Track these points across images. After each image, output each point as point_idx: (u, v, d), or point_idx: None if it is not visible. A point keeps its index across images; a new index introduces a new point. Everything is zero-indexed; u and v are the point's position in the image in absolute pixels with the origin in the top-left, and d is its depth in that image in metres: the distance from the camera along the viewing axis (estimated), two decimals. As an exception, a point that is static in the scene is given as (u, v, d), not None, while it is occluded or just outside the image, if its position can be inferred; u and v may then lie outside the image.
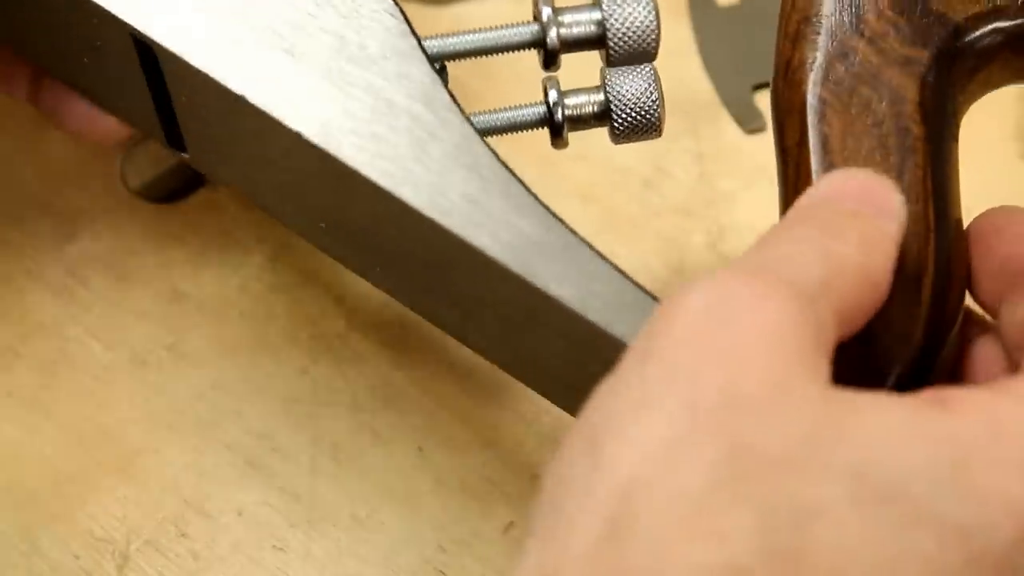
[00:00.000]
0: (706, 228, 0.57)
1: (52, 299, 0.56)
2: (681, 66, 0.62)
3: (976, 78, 0.37)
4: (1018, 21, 0.36)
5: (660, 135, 0.45)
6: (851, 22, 0.37)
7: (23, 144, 0.60)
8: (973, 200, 0.58)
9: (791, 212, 0.35)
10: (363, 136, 0.42)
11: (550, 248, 0.40)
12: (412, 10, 0.60)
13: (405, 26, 0.44)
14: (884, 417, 0.30)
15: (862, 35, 0.37)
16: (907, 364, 0.37)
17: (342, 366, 0.51)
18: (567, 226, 0.41)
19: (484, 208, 0.41)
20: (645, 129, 0.45)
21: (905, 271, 0.36)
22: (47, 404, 0.54)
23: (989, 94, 0.60)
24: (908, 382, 0.37)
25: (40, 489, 0.52)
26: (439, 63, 0.46)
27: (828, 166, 0.38)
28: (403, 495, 0.51)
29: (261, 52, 0.43)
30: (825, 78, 0.38)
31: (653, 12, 0.43)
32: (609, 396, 0.30)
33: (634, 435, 0.29)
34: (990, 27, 0.36)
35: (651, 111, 0.44)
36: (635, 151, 0.58)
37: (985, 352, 0.37)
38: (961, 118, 0.38)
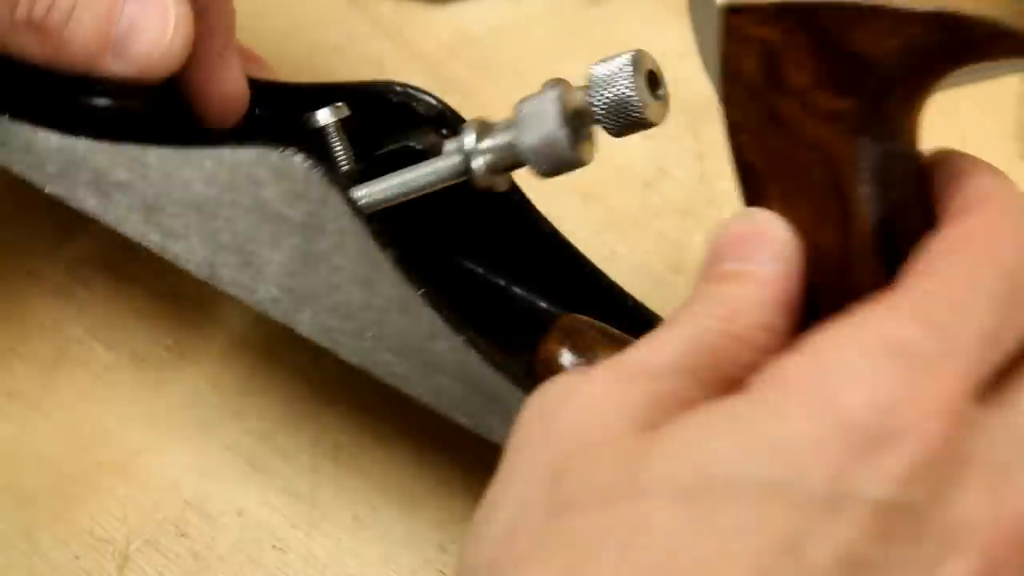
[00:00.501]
0: (706, 228, 0.57)
1: (52, 299, 0.56)
2: (681, 66, 0.62)
3: (915, 96, 0.36)
4: (936, 38, 0.35)
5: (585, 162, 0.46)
6: (773, 79, 0.36)
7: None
8: (973, 200, 0.58)
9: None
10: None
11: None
12: (413, 10, 0.60)
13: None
14: (681, 425, 0.32)
15: (785, 92, 0.36)
16: None
17: (342, 366, 0.51)
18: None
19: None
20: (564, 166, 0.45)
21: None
22: (47, 404, 0.54)
23: (989, 94, 0.61)
24: None
25: (40, 489, 0.52)
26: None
27: None
28: (403, 495, 0.51)
29: None
30: (760, 145, 0.37)
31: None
32: (491, 493, 0.35)
33: (486, 529, 0.34)
34: (911, 53, 0.35)
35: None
36: (636, 151, 0.58)
37: None
38: (916, 126, 0.37)
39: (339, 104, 0.51)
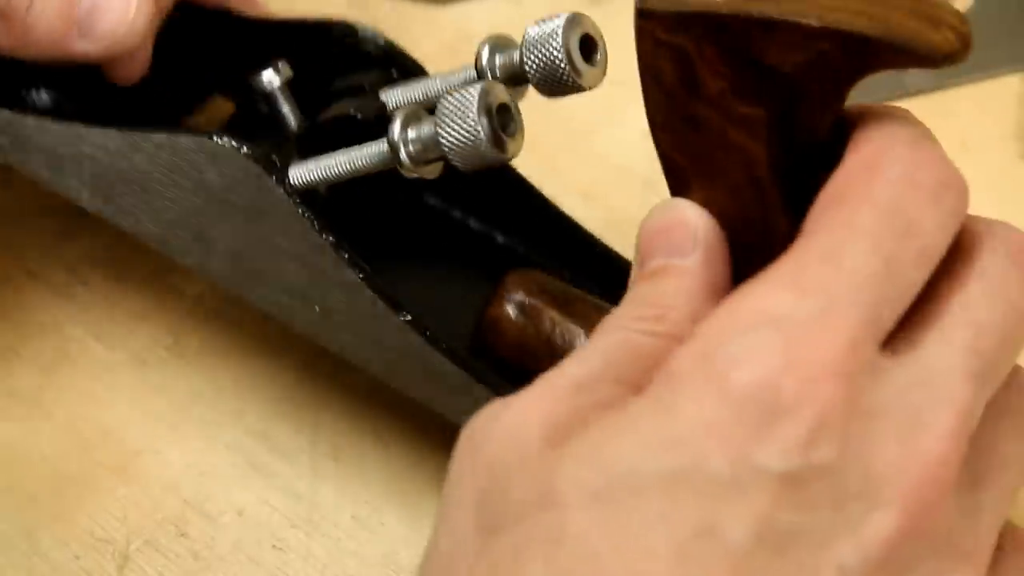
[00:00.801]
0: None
1: (52, 299, 0.56)
2: (681, 66, 0.62)
3: (829, 99, 0.37)
4: (840, 51, 0.35)
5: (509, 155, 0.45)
6: (690, 83, 0.36)
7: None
8: (974, 200, 0.58)
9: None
10: None
11: None
12: (413, 10, 0.60)
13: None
14: (588, 431, 0.33)
15: (702, 97, 0.36)
16: None
17: (342, 367, 0.51)
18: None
19: None
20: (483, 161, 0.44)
21: None
22: (47, 404, 0.54)
23: (989, 94, 0.61)
24: None
25: (40, 489, 0.52)
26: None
27: None
28: (403, 495, 0.51)
29: None
30: (682, 144, 0.38)
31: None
32: (433, 530, 0.35)
33: (429, 563, 0.34)
34: (817, 65, 0.35)
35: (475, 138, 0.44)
36: (636, 151, 0.58)
37: None
38: (836, 114, 0.37)
39: (282, 63, 0.51)
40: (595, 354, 0.35)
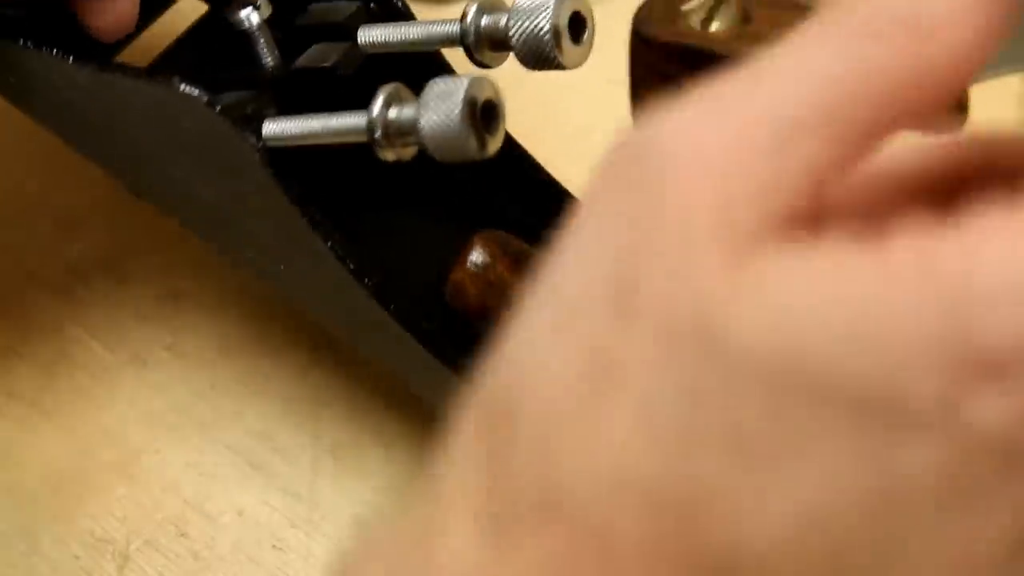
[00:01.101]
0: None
1: (52, 299, 0.56)
2: (681, 66, 0.62)
3: None
4: None
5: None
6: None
7: (23, 144, 0.60)
8: (973, 200, 0.58)
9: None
10: None
11: None
12: (414, 10, 0.60)
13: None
14: (791, 271, 0.25)
15: None
16: None
17: (342, 366, 0.51)
18: None
19: None
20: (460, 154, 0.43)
21: None
22: (47, 404, 0.54)
23: (989, 94, 0.61)
24: None
25: (40, 489, 0.52)
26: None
27: None
28: (404, 495, 0.51)
29: None
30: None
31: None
32: (534, 283, 0.28)
33: (528, 321, 0.27)
34: None
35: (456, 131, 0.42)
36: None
37: None
38: None
39: (259, 2, 0.49)
40: (816, 79, 0.25)
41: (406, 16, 0.51)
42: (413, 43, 0.47)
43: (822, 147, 0.25)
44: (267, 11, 0.49)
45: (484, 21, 0.46)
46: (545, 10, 0.44)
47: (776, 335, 0.24)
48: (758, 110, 0.25)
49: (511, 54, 0.46)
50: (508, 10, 0.45)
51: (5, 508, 0.51)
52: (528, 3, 0.44)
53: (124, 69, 0.48)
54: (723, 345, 0.25)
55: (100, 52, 0.49)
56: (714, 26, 0.36)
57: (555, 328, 0.26)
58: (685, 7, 0.37)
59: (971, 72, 0.26)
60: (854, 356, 0.24)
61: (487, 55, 0.45)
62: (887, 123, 0.26)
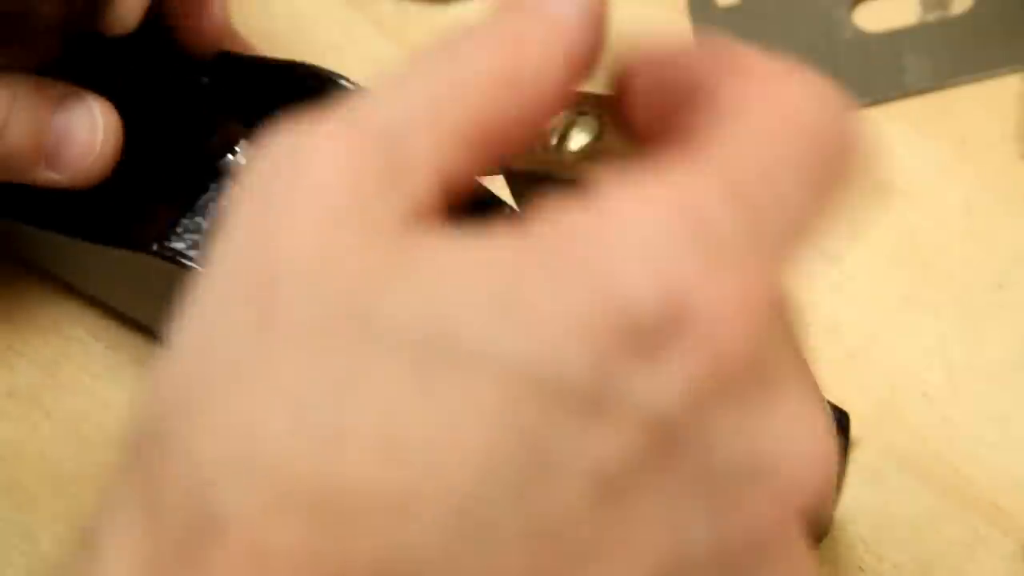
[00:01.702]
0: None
1: (52, 299, 0.56)
2: (681, 66, 0.62)
3: None
4: None
5: None
6: None
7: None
8: (974, 200, 0.58)
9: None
10: None
11: None
12: (413, 10, 0.60)
13: None
14: (433, 254, 0.25)
15: None
16: None
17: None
18: None
19: None
20: None
21: None
22: (47, 404, 0.54)
23: (989, 94, 0.60)
24: None
25: (40, 489, 0.52)
26: None
27: None
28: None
29: None
30: None
31: None
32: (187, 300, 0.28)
33: (177, 339, 0.27)
34: None
35: None
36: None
37: None
38: None
39: (244, 143, 0.52)
40: (418, 87, 0.27)
41: None
42: None
43: (432, 145, 0.26)
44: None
45: None
46: None
47: (425, 312, 0.24)
48: (377, 117, 0.26)
49: None
50: None
51: (5, 508, 0.51)
52: None
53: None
54: (374, 326, 0.24)
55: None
56: (573, 143, 0.35)
57: (201, 346, 0.26)
58: (547, 126, 0.36)
59: (568, 81, 0.28)
60: (504, 331, 0.24)
61: None
62: (497, 127, 0.27)
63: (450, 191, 0.27)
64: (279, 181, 0.26)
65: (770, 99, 0.26)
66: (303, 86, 0.53)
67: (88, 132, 0.49)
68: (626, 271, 0.24)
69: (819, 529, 0.48)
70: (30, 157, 0.49)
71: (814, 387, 0.27)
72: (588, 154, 0.35)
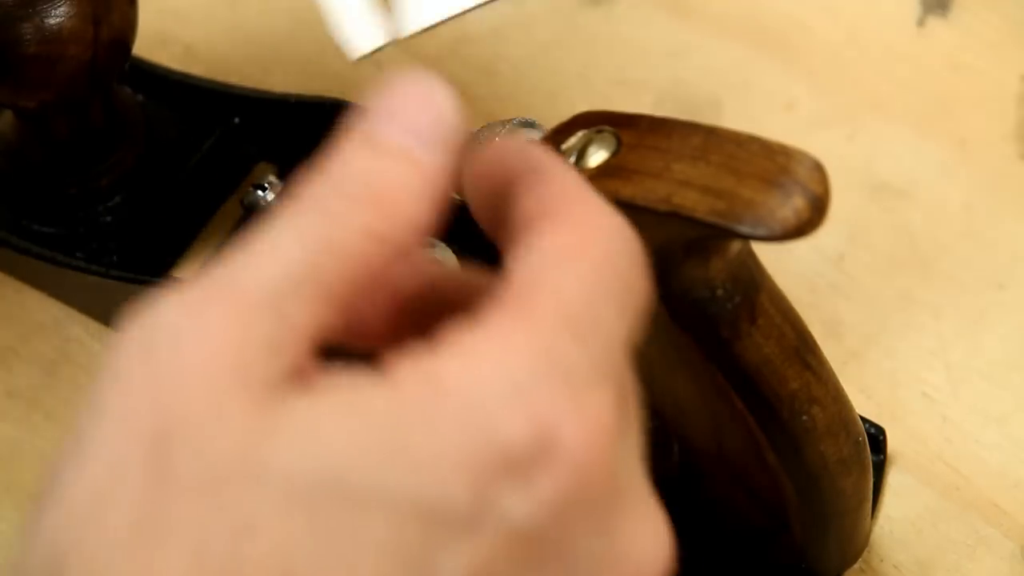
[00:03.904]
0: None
1: (52, 299, 0.56)
2: (681, 66, 0.62)
3: (708, 254, 0.37)
4: (690, 231, 0.35)
5: None
6: None
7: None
8: (974, 200, 0.58)
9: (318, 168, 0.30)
10: None
11: None
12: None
13: None
14: (315, 408, 0.27)
15: None
16: None
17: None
18: None
19: None
20: None
21: None
22: (47, 404, 0.54)
23: (989, 94, 0.61)
24: None
25: (40, 489, 0.52)
26: None
27: None
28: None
29: None
30: None
31: None
32: (59, 451, 0.29)
33: (63, 493, 0.28)
34: (674, 239, 0.36)
35: None
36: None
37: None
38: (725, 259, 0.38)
39: (271, 178, 0.53)
40: (295, 248, 0.28)
41: None
42: None
43: (309, 309, 0.28)
44: (278, 187, 0.53)
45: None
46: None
47: (315, 460, 0.27)
48: (258, 282, 0.28)
49: None
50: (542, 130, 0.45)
51: (5, 508, 0.51)
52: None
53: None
54: (265, 477, 0.27)
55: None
56: (591, 160, 0.36)
57: (95, 496, 0.27)
58: (564, 145, 0.37)
59: (433, 222, 0.30)
60: (393, 472, 0.27)
61: None
62: (364, 282, 0.29)
63: (322, 345, 0.29)
64: (167, 341, 0.28)
65: (578, 237, 0.30)
66: (331, 121, 0.53)
67: None
68: (502, 417, 0.27)
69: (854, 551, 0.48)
70: None
71: (650, 490, 0.31)
72: (606, 170, 0.35)
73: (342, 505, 0.27)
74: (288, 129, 0.56)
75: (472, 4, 0.65)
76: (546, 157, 0.31)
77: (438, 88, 0.30)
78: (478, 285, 0.33)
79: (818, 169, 0.34)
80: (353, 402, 0.27)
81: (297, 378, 0.28)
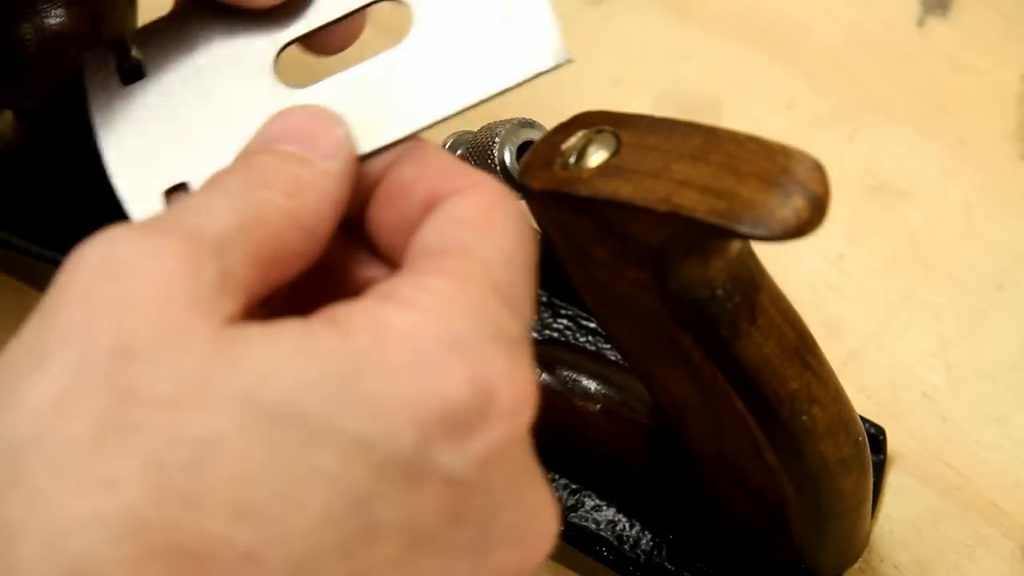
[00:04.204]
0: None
1: (52, 299, 0.56)
2: (681, 66, 0.62)
3: (707, 254, 0.38)
4: (688, 229, 0.35)
5: None
6: (579, 252, 0.38)
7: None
8: (974, 200, 0.58)
9: (234, 159, 0.35)
10: None
11: None
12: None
13: None
14: (274, 343, 0.29)
15: (593, 262, 0.38)
16: None
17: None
18: None
19: None
20: None
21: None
22: (47, 404, 0.54)
23: (989, 94, 0.61)
24: None
25: None
26: None
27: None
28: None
29: None
30: (596, 299, 0.40)
31: None
32: (6, 359, 0.31)
33: (23, 396, 0.29)
34: (675, 238, 0.36)
35: None
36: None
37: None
38: (722, 258, 0.38)
39: None
40: (227, 211, 0.32)
41: None
42: None
43: (243, 265, 0.31)
44: None
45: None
46: (491, 150, 0.43)
47: (274, 389, 0.29)
48: (203, 229, 0.31)
49: None
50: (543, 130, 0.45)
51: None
52: (476, 139, 0.43)
53: None
54: (226, 398, 0.28)
55: None
56: (591, 160, 0.36)
57: (57, 405, 0.28)
58: (564, 145, 0.37)
59: (333, 220, 0.34)
60: (347, 413, 0.29)
61: None
62: (281, 255, 0.32)
63: (249, 307, 0.31)
64: (128, 266, 0.30)
65: (484, 208, 0.33)
66: None
67: None
68: (446, 369, 0.30)
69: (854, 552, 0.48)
70: None
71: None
72: (606, 170, 0.35)
73: (298, 434, 0.28)
74: None
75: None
76: (431, 149, 0.35)
77: (330, 114, 0.35)
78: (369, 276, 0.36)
79: (818, 169, 0.34)
80: (308, 341, 0.30)
81: (247, 319, 0.30)
